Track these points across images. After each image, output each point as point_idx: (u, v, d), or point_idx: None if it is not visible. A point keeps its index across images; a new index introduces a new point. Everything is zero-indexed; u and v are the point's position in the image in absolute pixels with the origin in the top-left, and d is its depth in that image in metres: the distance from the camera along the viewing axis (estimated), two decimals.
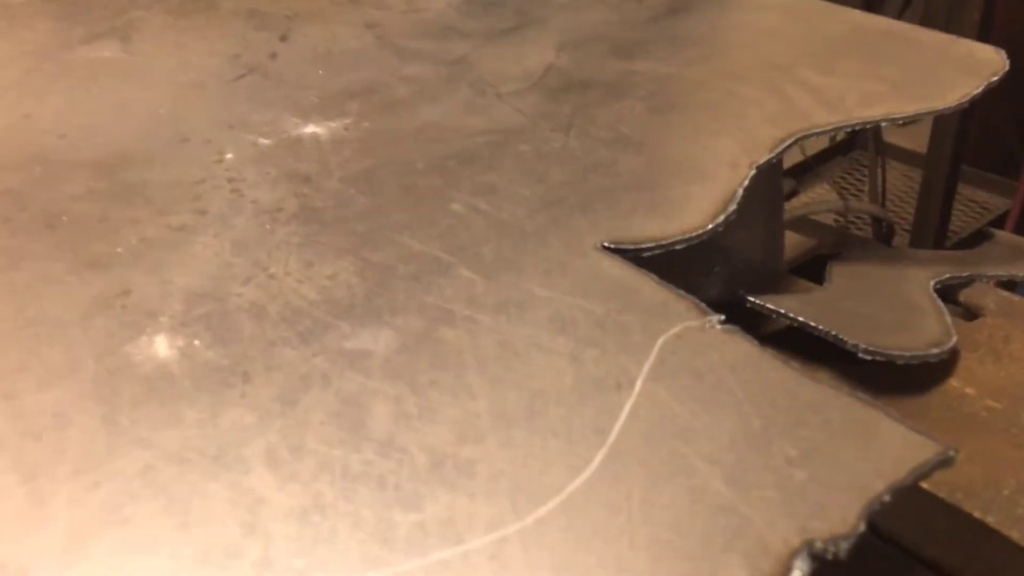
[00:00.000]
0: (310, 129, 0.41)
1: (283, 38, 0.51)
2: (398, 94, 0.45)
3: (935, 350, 0.34)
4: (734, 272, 0.44)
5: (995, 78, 0.46)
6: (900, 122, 0.43)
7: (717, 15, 0.54)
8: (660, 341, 0.29)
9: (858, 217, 2.45)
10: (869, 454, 0.25)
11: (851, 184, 2.18)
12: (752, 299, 0.37)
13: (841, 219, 2.52)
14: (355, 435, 0.25)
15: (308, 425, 0.25)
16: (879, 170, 2.12)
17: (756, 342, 0.29)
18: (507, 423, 0.26)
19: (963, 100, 0.44)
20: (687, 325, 0.30)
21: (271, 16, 0.54)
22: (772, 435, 0.26)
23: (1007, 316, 0.43)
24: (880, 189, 2.22)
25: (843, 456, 0.25)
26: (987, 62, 0.47)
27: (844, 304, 0.38)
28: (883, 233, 2.17)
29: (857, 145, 1.89)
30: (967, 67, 0.47)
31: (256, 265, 0.32)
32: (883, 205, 2.14)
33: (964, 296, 0.45)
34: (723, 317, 0.30)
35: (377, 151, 0.40)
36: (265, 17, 0.54)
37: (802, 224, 2.06)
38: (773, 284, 0.43)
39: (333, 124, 0.42)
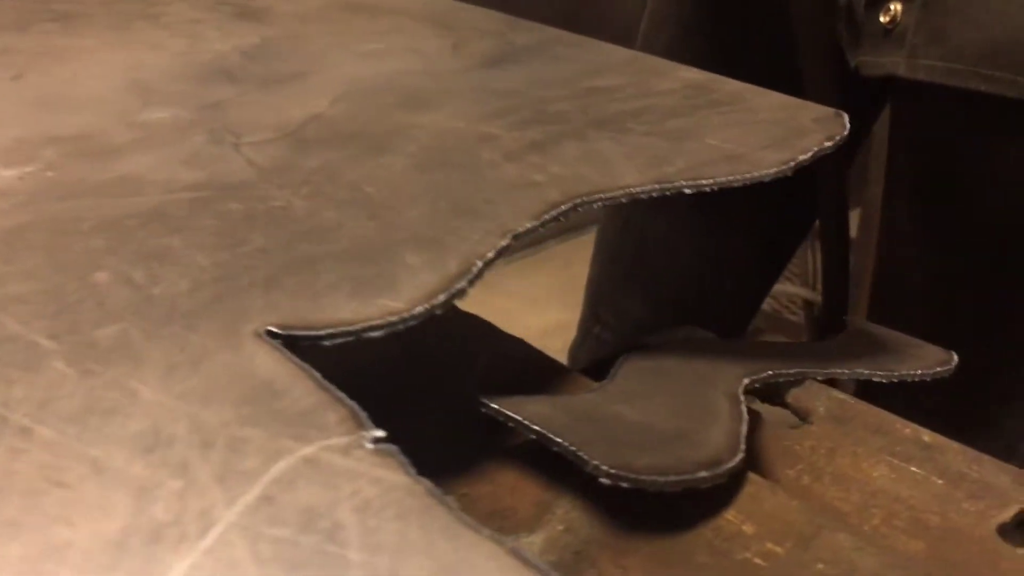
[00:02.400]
0: None
1: (16, 77, 0.43)
2: (115, 141, 0.37)
3: (704, 473, 0.26)
4: (505, 365, 0.36)
5: (828, 144, 0.39)
6: (709, 188, 0.36)
7: (540, 67, 0.48)
8: (277, 468, 0.21)
9: (791, 301, 2.40)
10: None
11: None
12: (486, 403, 0.29)
13: (773, 302, 2.47)
14: None
15: None
16: (810, 252, 2.08)
17: (411, 471, 0.21)
18: None
19: (784, 167, 0.37)
20: (327, 444, 0.21)
21: (18, 52, 0.47)
22: None
23: (838, 423, 0.36)
24: (812, 272, 2.18)
25: None
26: (825, 125, 0.41)
27: (616, 408, 0.31)
28: (814, 317, 2.12)
29: None
30: (802, 130, 0.40)
31: None
32: (814, 288, 2.10)
33: (792, 397, 0.37)
34: (380, 434, 0.22)
35: (44, 206, 0.32)
36: (12, 54, 0.47)
37: None
38: (550, 381, 0.35)
39: (8, 172, 0.34)
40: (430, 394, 0.34)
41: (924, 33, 0.61)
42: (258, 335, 0.25)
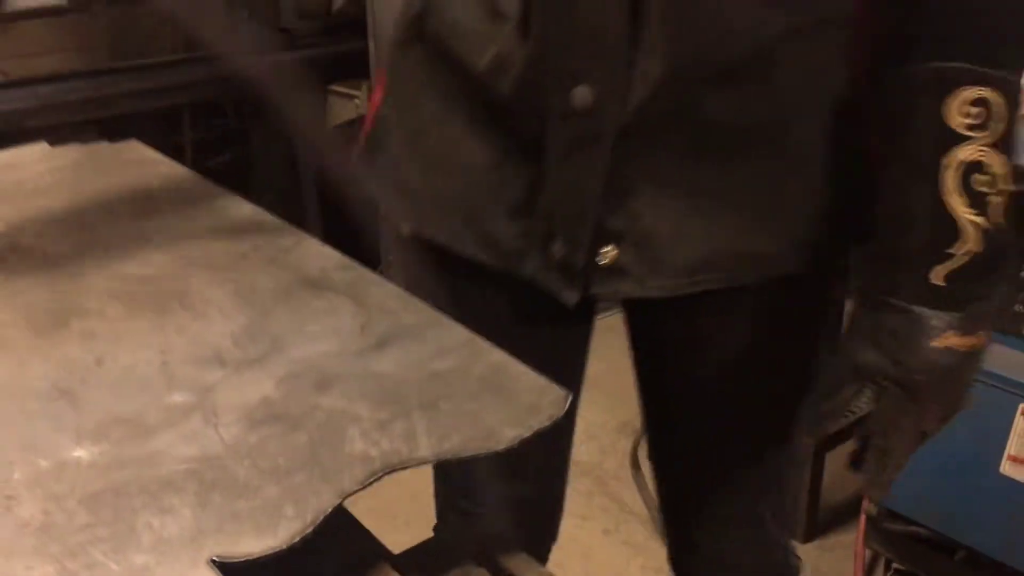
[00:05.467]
0: (76, 453, 0.64)
1: (98, 362, 0.75)
2: (150, 422, 0.68)
3: None
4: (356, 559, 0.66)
5: (548, 423, 0.68)
6: (471, 457, 0.65)
7: (411, 349, 0.78)
8: None
9: None
10: None
11: None
12: None
13: None
14: None
15: None
16: None
17: None
18: None
19: (513, 442, 0.66)
20: None
21: (99, 337, 0.78)
22: None
23: None
24: None
25: None
26: (554, 405, 0.70)
27: None
28: None
29: None
30: (538, 409, 0.69)
31: None
32: None
33: (514, 567, 0.66)
34: None
35: (111, 475, 0.62)
36: (92, 340, 0.78)
37: None
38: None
39: (90, 450, 0.65)
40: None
41: None
42: (208, 562, 0.55)
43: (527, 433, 0.67)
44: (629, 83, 0.84)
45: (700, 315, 0.97)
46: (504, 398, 0.71)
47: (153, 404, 0.70)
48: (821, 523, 2.36)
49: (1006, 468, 1.77)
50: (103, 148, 1.28)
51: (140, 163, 1.22)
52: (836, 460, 2.36)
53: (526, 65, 0.86)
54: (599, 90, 0.84)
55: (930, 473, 1.89)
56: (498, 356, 0.76)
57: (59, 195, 1.10)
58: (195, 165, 3.96)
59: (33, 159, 1.24)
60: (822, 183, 0.90)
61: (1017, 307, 1.80)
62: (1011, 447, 1.74)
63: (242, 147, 3.41)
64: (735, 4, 0.82)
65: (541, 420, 0.68)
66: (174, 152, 4.18)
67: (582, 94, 0.85)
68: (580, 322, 1.07)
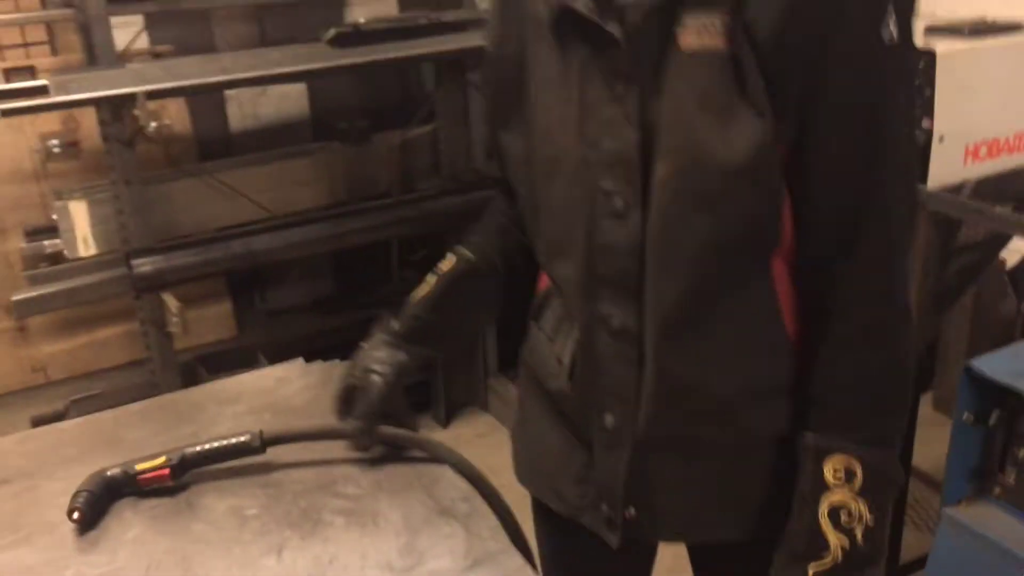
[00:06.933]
0: None
1: (331, 560, 1.44)
2: None
3: None
4: None
5: None
6: None
7: (491, 570, 1.41)
8: None
9: None
10: None
11: None
12: None
13: None
14: None
15: None
16: None
17: None
18: None
19: None
20: None
21: (329, 542, 1.47)
22: None
23: None
24: None
25: None
26: None
27: None
28: None
29: None
30: None
31: None
32: None
33: None
34: None
35: None
36: (327, 543, 1.48)
37: None
38: None
39: None
40: None
41: None
42: None
43: None
44: (637, 414, 1.45)
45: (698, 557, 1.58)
46: None
47: None
48: None
49: None
50: (335, 367, 2.00)
51: None
52: None
53: (575, 396, 1.51)
54: (619, 416, 1.46)
55: None
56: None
57: (312, 413, 1.82)
58: (400, 259, 4.86)
59: (296, 374, 1.99)
60: (763, 483, 1.45)
61: None
62: None
63: (437, 249, 4.19)
64: (701, 372, 1.39)
65: None
66: (384, 248, 5.15)
67: (609, 419, 1.48)
68: (638, 553, 1.67)
